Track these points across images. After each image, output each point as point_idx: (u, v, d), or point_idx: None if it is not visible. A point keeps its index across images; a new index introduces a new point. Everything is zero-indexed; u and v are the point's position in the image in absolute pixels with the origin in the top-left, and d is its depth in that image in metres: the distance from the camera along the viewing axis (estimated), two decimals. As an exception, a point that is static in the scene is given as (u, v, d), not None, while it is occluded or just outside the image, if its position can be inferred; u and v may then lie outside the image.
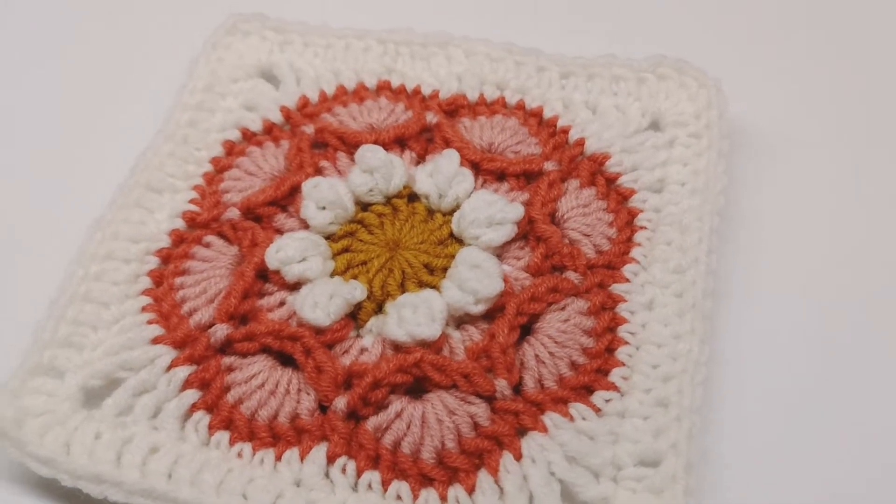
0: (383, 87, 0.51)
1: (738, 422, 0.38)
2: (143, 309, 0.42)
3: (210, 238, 0.44)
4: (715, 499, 0.37)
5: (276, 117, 0.49)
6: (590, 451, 0.37)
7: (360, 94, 0.50)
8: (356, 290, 0.41)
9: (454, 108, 0.49)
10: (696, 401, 0.38)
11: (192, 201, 0.46)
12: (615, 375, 0.39)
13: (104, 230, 0.44)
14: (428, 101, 0.50)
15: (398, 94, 0.50)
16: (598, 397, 0.39)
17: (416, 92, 0.50)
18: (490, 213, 0.43)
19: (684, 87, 0.48)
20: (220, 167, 0.48)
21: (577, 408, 0.38)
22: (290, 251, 0.42)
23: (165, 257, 0.44)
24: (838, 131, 0.49)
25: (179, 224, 0.45)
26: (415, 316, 0.40)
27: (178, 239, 0.45)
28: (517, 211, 0.43)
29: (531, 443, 0.37)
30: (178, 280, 0.43)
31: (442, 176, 0.44)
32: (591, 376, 0.39)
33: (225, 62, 0.52)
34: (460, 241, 0.43)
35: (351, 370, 0.39)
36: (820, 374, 0.40)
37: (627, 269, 0.42)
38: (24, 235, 0.47)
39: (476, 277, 0.40)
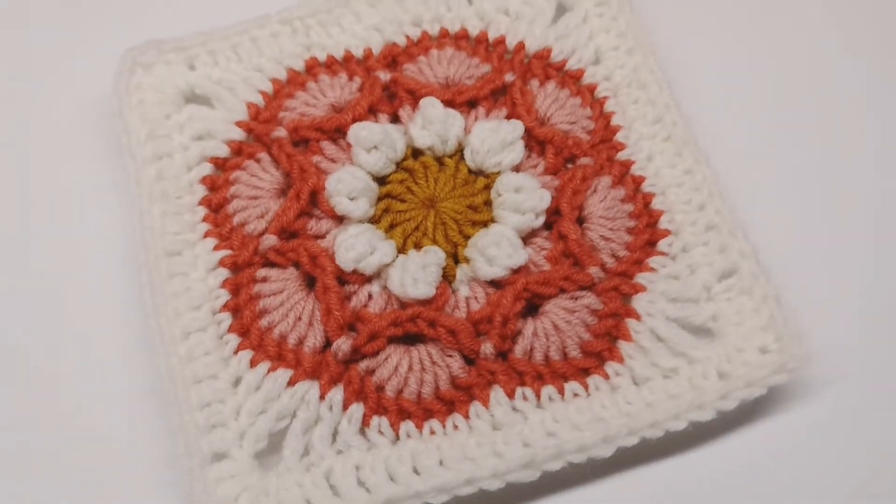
0: (313, 66, 0.51)
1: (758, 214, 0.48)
2: (253, 361, 0.43)
3: (263, 272, 0.45)
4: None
5: (237, 135, 0.49)
6: (682, 286, 0.45)
7: (296, 80, 0.51)
8: (439, 255, 0.45)
9: (392, 59, 0.52)
10: (732, 213, 0.46)
11: (217, 248, 0.46)
12: (663, 223, 0.47)
13: (162, 314, 0.44)
14: (364, 61, 0.52)
15: (331, 66, 0.51)
16: (662, 245, 0.46)
17: (349, 58, 0.52)
18: (499, 137, 0.47)
19: (573, -35, 0.54)
20: (214, 205, 0.47)
21: (653, 261, 0.46)
22: (360, 247, 0.44)
23: (234, 308, 0.45)
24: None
25: (224, 273, 0.45)
26: (500, 250, 0.44)
27: (234, 286, 0.45)
28: (518, 127, 0.48)
29: (640, 303, 0.45)
30: (263, 322, 0.44)
31: (437, 124, 0.48)
32: (647, 232, 0.47)
33: (147, 103, 0.49)
34: (481, 173, 0.48)
35: (473, 320, 0.44)
36: (787, 141, 0.51)
37: (619, 136, 0.49)
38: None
39: (527, 197, 0.45)
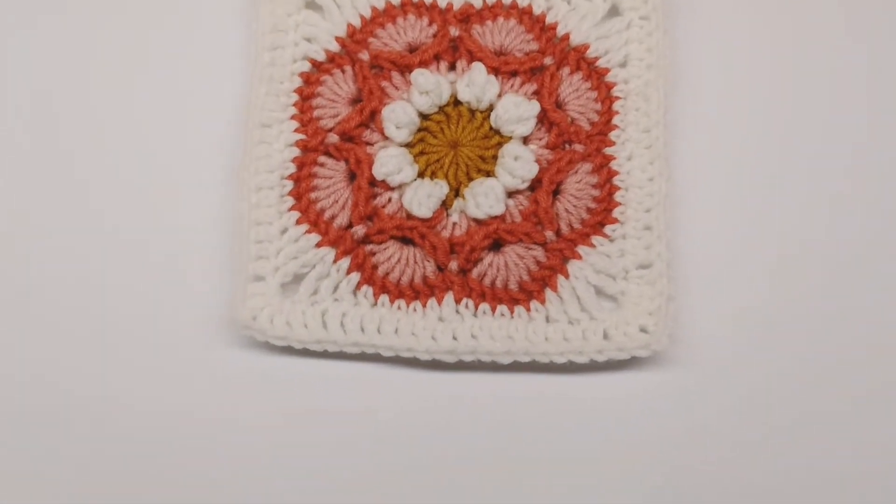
0: (406, 3, 0.65)
1: (695, 234, 0.62)
2: (298, 221, 0.62)
3: (322, 158, 0.63)
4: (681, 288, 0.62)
5: (334, 47, 0.65)
6: (609, 264, 0.61)
7: (390, 13, 0.65)
8: (443, 188, 0.61)
9: (466, 17, 0.65)
10: (667, 223, 0.61)
11: (296, 130, 0.63)
12: (616, 212, 0.62)
13: (247, 169, 0.62)
14: (444, 13, 0.65)
15: (419, 7, 0.65)
16: (608, 229, 0.62)
17: (434, 6, 0.65)
18: (518, 112, 0.62)
19: (634, -23, 0.65)
20: (304, 95, 0.64)
21: (596, 239, 0.61)
22: (390, 165, 0.61)
23: (296, 179, 0.62)
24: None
25: (296, 151, 0.63)
26: (487, 199, 0.61)
27: (300, 163, 0.63)
28: (535, 107, 0.62)
29: (573, 266, 0.61)
30: (312, 195, 0.62)
31: (477, 87, 0.62)
32: (601, 216, 0.62)
33: (277, 1, 0.65)
34: (498, 133, 0.63)
35: (452, 241, 0.61)
36: (755, 183, 0.64)
37: (612, 134, 0.63)
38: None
39: (520, 165, 0.61)
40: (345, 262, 0.61)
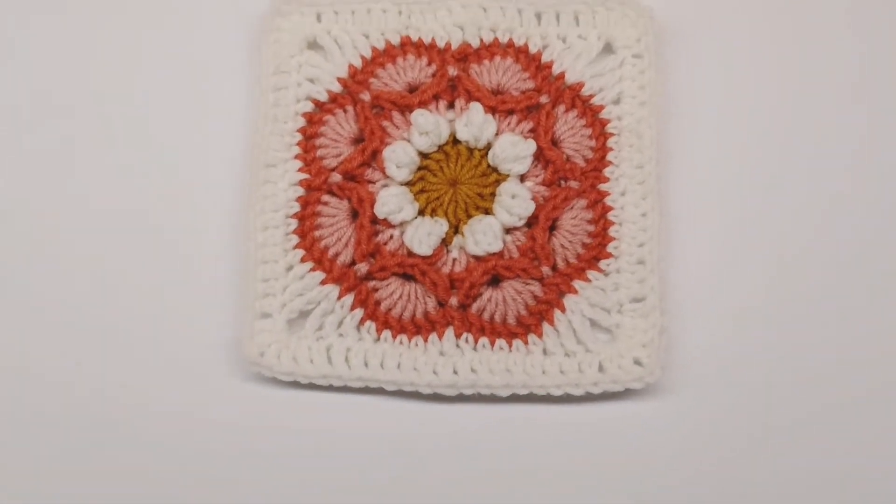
0: (406, 44, 0.67)
1: (687, 264, 0.64)
2: (303, 259, 0.64)
3: (326, 197, 0.65)
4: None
5: (336, 87, 0.67)
6: (603, 298, 0.63)
7: (390, 53, 0.67)
8: (443, 227, 0.63)
9: (464, 56, 0.67)
10: (659, 256, 0.63)
11: (300, 170, 0.65)
12: (610, 247, 0.64)
13: (252, 208, 0.64)
14: (443, 52, 0.67)
15: (419, 47, 0.67)
16: (602, 263, 0.64)
17: (433, 45, 0.67)
18: (515, 151, 0.64)
19: (627, 17, 0.67)
20: (307, 135, 0.66)
21: (591, 273, 0.63)
22: (391, 205, 0.63)
23: (300, 217, 0.65)
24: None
25: (300, 190, 0.65)
26: (485, 237, 0.63)
27: (304, 202, 0.65)
28: (531, 146, 0.64)
29: (569, 300, 0.63)
30: (316, 233, 0.64)
31: (475, 127, 0.64)
32: (596, 250, 0.64)
33: (281, 42, 0.67)
34: (496, 171, 0.65)
35: (452, 277, 0.63)
36: (744, 216, 0.66)
37: (606, 171, 0.65)
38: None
39: (517, 204, 0.63)
40: (348, 299, 0.63)
